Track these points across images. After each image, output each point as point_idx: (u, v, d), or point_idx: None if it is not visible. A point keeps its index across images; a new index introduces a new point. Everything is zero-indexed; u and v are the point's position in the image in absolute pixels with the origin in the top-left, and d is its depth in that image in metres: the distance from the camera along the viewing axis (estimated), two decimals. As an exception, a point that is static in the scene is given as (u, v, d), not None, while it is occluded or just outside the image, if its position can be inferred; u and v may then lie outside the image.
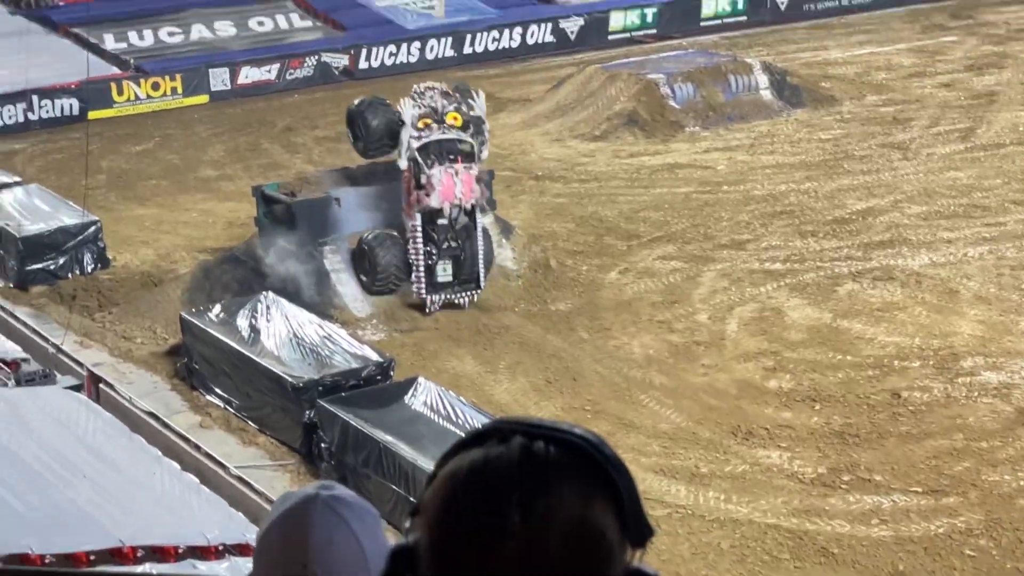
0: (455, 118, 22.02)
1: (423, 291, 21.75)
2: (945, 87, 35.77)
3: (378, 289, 21.87)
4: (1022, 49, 39.70)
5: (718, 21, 45.75)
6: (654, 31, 44.81)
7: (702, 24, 45.40)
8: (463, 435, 1.85)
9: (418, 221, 21.72)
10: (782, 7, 46.78)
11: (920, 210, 26.06)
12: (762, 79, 34.36)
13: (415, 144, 21.63)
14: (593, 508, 1.73)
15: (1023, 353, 19.70)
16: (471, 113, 22.24)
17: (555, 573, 1.71)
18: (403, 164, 21.88)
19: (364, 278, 22.01)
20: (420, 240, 21.70)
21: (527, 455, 1.75)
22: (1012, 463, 16.79)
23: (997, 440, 17.36)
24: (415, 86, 23.10)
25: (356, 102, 23.23)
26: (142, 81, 37.45)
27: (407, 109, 21.93)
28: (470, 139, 21.97)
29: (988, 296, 21.82)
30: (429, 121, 21.82)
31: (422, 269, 21.72)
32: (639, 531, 1.78)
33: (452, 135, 21.90)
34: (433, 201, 21.55)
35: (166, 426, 18.41)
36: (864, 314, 21.42)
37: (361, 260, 22.06)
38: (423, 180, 21.52)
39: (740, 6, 46.42)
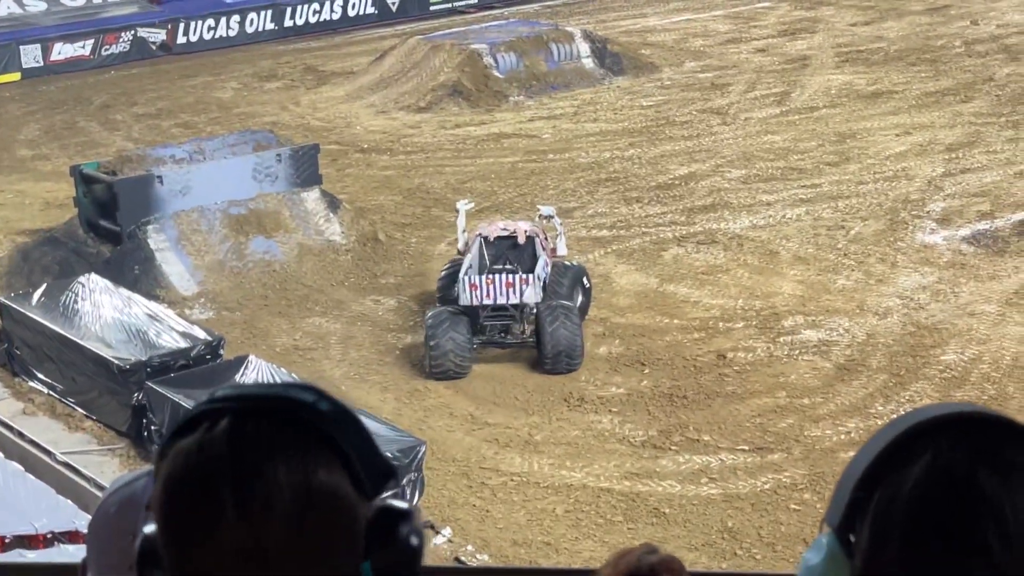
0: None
1: None
2: (760, 52, 36.56)
3: (436, 373, 19.00)
4: (833, 13, 40.78)
5: (539, -10, 45.97)
6: (475, 1, 44.87)
7: (523, -7, 45.59)
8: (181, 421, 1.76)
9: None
10: (601, -25, 47.22)
11: (740, 174, 26.64)
12: (583, 47, 34.68)
13: None
14: (317, 472, 1.68)
15: (840, 311, 20.32)
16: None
17: (293, 548, 1.66)
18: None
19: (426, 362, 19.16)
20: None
21: (236, 437, 1.69)
22: (832, 418, 17.33)
23: (818, 396, 17.90)
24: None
25: None
26: (-51, 59, 36.31)
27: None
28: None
29: (806, 256, 22.44)
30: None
31: None
32: (374, 478, 1.73)
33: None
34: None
35: (-12, 414, 17.95)
36: (689, 277, 21.85)
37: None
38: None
39: (560, -25, 46.72)
